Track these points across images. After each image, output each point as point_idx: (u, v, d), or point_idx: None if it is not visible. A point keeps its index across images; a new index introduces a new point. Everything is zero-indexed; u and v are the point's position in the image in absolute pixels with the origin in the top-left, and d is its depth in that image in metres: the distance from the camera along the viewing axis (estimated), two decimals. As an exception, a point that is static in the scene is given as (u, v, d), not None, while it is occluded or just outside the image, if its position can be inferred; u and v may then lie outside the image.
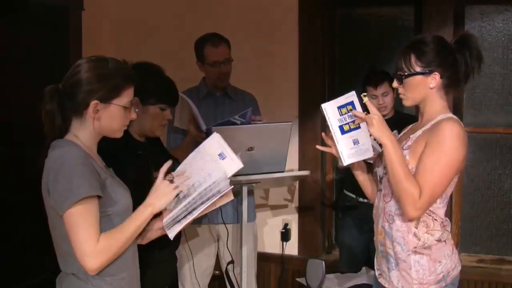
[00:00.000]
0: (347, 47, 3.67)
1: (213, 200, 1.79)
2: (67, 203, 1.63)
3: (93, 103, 1.73)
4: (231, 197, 1.88)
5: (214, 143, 1.93)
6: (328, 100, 2.01)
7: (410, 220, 1.96)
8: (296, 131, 3.52)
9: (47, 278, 1.82)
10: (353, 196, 3.32)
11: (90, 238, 1.64)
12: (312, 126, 3.54)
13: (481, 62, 2.00)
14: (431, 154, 1.90)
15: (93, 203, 1.66)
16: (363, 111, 2.00)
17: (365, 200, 3.26)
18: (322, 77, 3.55)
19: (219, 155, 1.90)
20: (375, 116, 1.92)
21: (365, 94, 2.00)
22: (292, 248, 3.62)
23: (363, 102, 1.97)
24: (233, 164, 1.89)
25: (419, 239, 1.97)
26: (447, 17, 3.28)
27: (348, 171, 3.19)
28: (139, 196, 1.84)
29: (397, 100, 3.33)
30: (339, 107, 1.99)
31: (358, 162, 2.12)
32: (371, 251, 3.28)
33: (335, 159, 3.44)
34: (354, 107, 1.98)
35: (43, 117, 1.75)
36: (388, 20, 3.57)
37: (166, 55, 3.69)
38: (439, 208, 1.99)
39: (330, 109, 1.99)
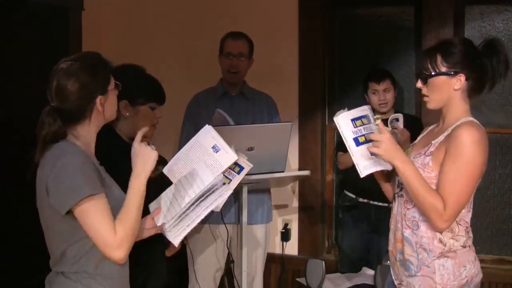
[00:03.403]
0: (347, 47, 3.66)
1: (208, 195, 1.78)
2: (71, 202, 1.65)
3: (98, 100, 1.76)
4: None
5: (207, 135, 1.91)
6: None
7: (439, 231, 1.94)
8: (296, 131, 3.51)
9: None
10: (353, 196, 3.33)
11: (109, 230, 1.67)
12: (312, 126, 3.54)
13: (508, 68, 1.97)
14: (452, 164, 1.87)
15: (101, 198, 1.69)
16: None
17: (365, 200, 3.27)
18: (322, 77, 3.54)
19: (212, 147, 1.88)
20: (384, 139, 1.88)
21: (378, 116, 1.98)
22: (292, 248, 3.62)
23: (376, 123, 1.95)
24: (228, 156, 1.87)
25: (445, 245, 1.94)
26: (447, 17, 3.28)
27: (348, 171, 3.22)
28: None
29: (398, 100, 3.35)
30: (353, 120, 1.95)
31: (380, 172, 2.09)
32: (371, 251, 3.28)
33: (337, 159, 3.46)
34: (369, 121, 1.97)
35: (40, 135, 1.74)
36: (388, 20, 3.57)
37: (166, 55, 3.70)
38: (465, 213, 1.97)
39: (343, 122, 1.94)
